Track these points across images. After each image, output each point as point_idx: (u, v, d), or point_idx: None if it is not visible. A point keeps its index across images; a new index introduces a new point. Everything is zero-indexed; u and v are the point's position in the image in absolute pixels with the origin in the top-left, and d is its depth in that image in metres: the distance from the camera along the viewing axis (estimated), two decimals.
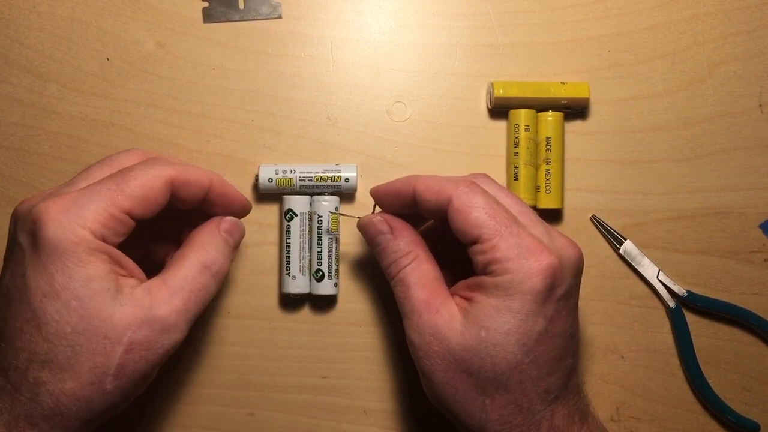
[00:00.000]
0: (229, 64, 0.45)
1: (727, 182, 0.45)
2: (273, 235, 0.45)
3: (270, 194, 0.44)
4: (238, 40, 0.45)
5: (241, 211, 0.40)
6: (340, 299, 0.45)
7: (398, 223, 0.39)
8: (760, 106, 0.45)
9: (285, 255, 0.43)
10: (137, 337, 0.32)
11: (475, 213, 0.35)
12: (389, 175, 0.45)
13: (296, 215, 0.43)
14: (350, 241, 0.45)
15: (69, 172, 0.44)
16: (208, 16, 0.45)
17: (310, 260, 0.43)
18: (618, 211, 0.45)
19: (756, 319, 0.44)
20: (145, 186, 0.34)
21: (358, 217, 0.40)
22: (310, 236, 0.43)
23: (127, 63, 0.45)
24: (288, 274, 0.43)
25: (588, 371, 0.45)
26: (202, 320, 0.45)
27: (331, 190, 0.43)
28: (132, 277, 0.34)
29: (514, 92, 0.43)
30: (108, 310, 0.32)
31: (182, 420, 0.44)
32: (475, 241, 0.35)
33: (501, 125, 0.45)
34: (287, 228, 0.43)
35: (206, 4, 0.45)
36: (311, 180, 0.43)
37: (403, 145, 0.45)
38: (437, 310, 0.36)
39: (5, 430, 0.31)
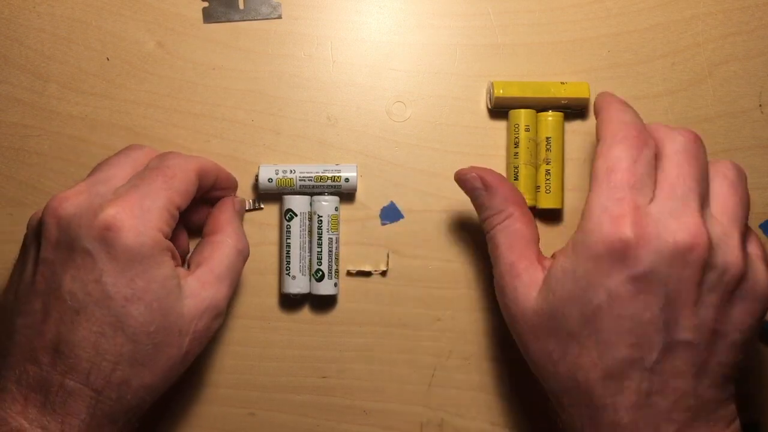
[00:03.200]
0: (229, 64, 0.45)
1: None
2: (273, 235, 0.45)
3: (270, 194, 0.44)
4: (238, 40, 0.45)
5: (234, 189, 0.43)
6: (340, 299, 0.45)
7: (494, 179, 0.38)
8: (760, 106, 0.45)
9: (285, 255, 0.43)
10: (199, 326, 0.35)
11: (504, 189, 0.38)
12: (389, 175, 0.45)
13: (296, 215, 0.43)
14: (350, 241, 0.45)
15: (69, 172, 0.44)
16: (208, 16, 0.45)
17: (310, 260, 0.43)
18: None
19: None
20: (185, 180, 0.36)
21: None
22: (310, 236, 0.43)
23: (127, 63, 0.45)
24: (288, 274, 0.43)
25: None
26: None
27: (331, 190, 0.44)
28: (179, 265, 0.36)
29: (514, 92, 0.43)
30: (179, 305, 0.34)
31: (182, 420, 0.44)
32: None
33: (501, 125, 0.45)
34: (287, 228, 0.43)
35: (206, 4, 0.45)
36: (311, 180, 0.43)
37: (403, 145, 0.45)
38: (519, 274, 0.36)
39: (86, 430, 0.33)
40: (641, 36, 0.45)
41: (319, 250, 0.43)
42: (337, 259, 0.44)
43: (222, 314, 0.37)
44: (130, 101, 0.45)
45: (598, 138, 0.36)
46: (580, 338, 0.33)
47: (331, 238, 0.43)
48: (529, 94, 0.43)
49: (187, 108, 0.45)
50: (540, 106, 0.43)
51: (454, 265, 0.45)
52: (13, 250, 0.44)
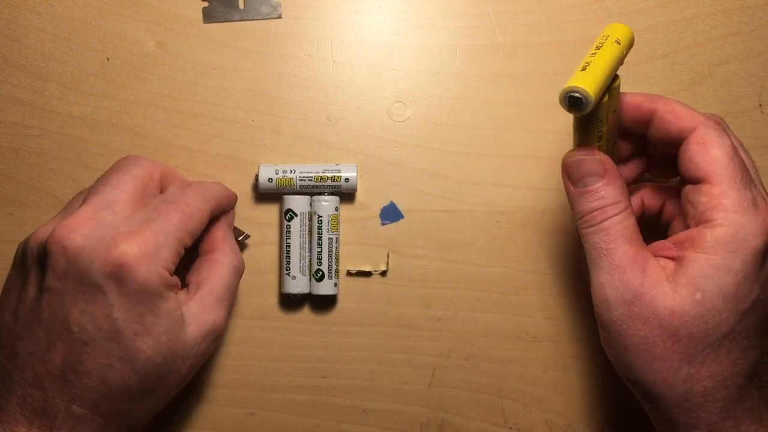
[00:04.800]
0: (229, 64, 0.45)
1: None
2: (273, 235, 0.45)
3: (270, 194, 0.44)
4: (238, 40, 0.45)
5: (233, 207, 0.43)
6: (340, 299, 0.45)
7: (612, 167, 0.35)
8: (760, 106, 0.45)
9: (285, 255, 0.43)
10: (200, 349, 0.36)
11: (717, 150, 0.33)
12: (389, 175, 0.45)
13: (296, 215, 0.43)
14: (350, 241, 0.45)
15: (69, 172, 0.44)
16: (208, 16, 0.45)
17: (310, 260, 0.43)
18: None
19: None
20: (199, 221, 0.37)
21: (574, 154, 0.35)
22: (310, 236, 0.43)
23: (127, 63, 0.45)
24: (288, 274, 0.43)
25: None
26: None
27: (331, 190, 0.44)
28: (180, 290, 0.36)
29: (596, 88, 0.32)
30: (183, 334, 0.35)
31: (182, 420, 0.44)
32: (704, 180, 0.33)
33: (501, 125, 0.45)
34: (287, 228, 0.43)
35: (206, 4, 0.45)
36: (311, 180, 0.43)
37: (403, 145, 0.45)
38: (643, 269, 0.33)
39: None
40: (641, 36, 0.45)
41: (319, 250, 0.43)
42: (337, 259, 0.44)
43: (221, 335, 0.38)
44: (130, 101, 0.45)
45: (690, 133, 0.34)
46: (733, 334, 0.32)
47: (331, 238, 0.43)
48: (607, 75, 0.33)
49: (187, 108, 0.45)
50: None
51: (454, 265, 0.45)
52: (12, 250, 0.44)
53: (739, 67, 0.45)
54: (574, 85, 0.31)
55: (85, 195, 0.37)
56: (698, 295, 0.32)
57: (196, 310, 0.36)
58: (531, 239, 0.45)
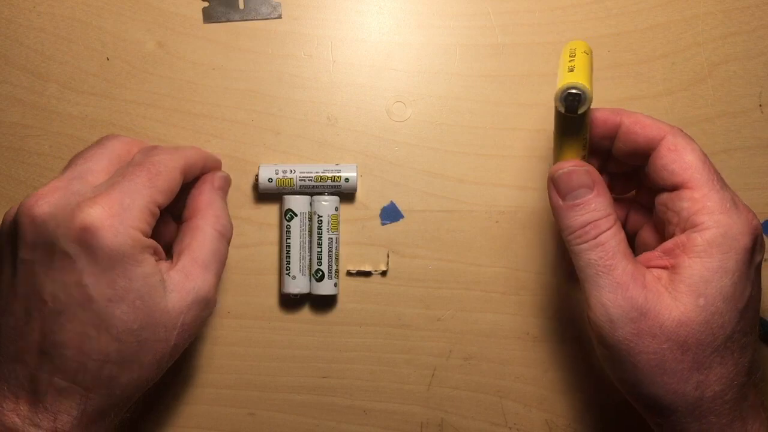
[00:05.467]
0: (229, 64, 0.45)
1: (728, 182, 0.45)
2: (273, 235, 0.45)
3: (270, 194, 0.44)
4: (238, 40, 0.45)
5: (218, 169, 0.42)
6: (340, 299, 0.45)
7: (600, 178, 0.34)
8: (760, 106, 0.45)
9: (285, 255, 0.43)
10: (188, 318, 0.35)
11: (690, 155, 0.33)
12: (389, 175, 0.45)
13: (296, 215, 0.43)
14: (350, 241, 0.45)
15: None
16: (208, 16, 0.45)
17: (310, 260, 0.43)
18: None
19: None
20: (169, 178, 0.35)
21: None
22: (310, 236, 0.43)
23: (127, 63, 0.45)
24: (288, 274, 0.43)
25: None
26: None
27: (331, 190, 0.44)
28: (163, 259, 0.35)
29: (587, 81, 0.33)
30: (163, 301, 0.33)
31: (182, 420, 0.44)
32: (683, 186, 0.33)
33: (501, 125, 0.45)
34: (287, 228, 0.43)
35: (206, 4, 0.45)
36: (311, 180, 0.43)
37: (403, 145, 0.45)
38: (643, 283, 0.32)
39: (78, 426, 0.33)
40: (641, 36, 0.45)
41: (319, 250, 0.43)
42: (337, 259, 0.44)
43: (211, 303, 0.36)
44: (130, 101, 0.45)
45: (659, 141, 0.35)
46: (735, 335, 0.32)
47: (331, 238, 0.43)
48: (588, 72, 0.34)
49: (187, 108, 0.45)
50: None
51: (454, 265, 0.45)
52: None
53: (739, 67, 0.45)
54: (572, 81, 0.32)
55: (63, 169, 0.36)
56: (701, 301, 0.32)
57: (178, 279, 0.34)
58: (531, 239, 0.45)
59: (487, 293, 0.45)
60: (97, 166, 0.35)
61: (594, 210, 0.33)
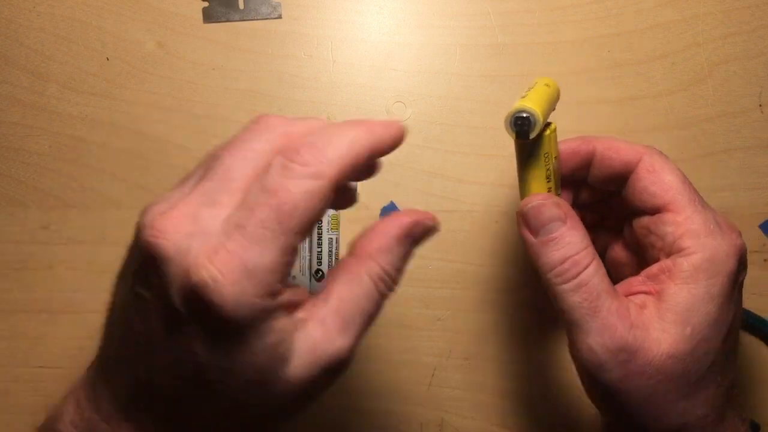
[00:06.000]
0: (229, 64, 0.45)
1: (727, 182, 0.45)
2: None
3: None
4: (238, 40, 0.45)
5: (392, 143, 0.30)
6: None
7: (571, 210, 0.32)
8: (760, 106, 0.45)
9: None
10: (313, 388, 0.28)
11: (669, 176, 0.31)
12: (389, 174, 0.45)
13: None
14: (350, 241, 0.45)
15: (69, 172, 0.44)
16: (208, 16, 0.45)
17: (310, 260, 0.43)
18: None
19: (756, 320, 0.44)
20: (308, 215, 0.26)
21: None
22: (310, 236, 0.43)
23: (127, 63, 0.45)
24: (288, 273, 0.43)
25: None
26: None
27: None
28: (298, 306, 0.28)
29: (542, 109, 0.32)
30: (287, 371, 0.27)
31: None
32: (664, 209, 0.31)
33: (501, 125, 0.45)
34: None
35: (206, 4, 0.45)
36: None
37: (403, 145, 0.45)
38: (630, 321, 0.30)
39: None
40: (641, 36, 0.45)
41: (319, 250, 0.43)
42: (337, 259, 0.44)
43: (345, 367, 0.28)
44: (130, 101, 0.45)
45: (636, 164, 0.34)
46: (718, 358, 0.31)
47: (332, 238, 0.43)
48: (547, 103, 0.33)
49: (187, 108, 0.45)
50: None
51: (454, 265, 0.45)
52: (12, 251, 0.44)
53: (739, 67, 0.45)
54: (520, 105, 0.30)
55: (205, 166, 0.29)
56: (688, 330, 0.30)
57: (311, 340, 0.27)
58: None
59: (487, 293, 0.45)
60: (235, 184, 0.27)
61: (569, 243, 0.31)
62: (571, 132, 0.45)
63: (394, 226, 0.29)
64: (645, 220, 0.33)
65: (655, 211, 0.32)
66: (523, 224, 0.32)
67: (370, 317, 0.29)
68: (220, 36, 0.45)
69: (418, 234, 0.30)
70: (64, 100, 0.45)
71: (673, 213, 0.32)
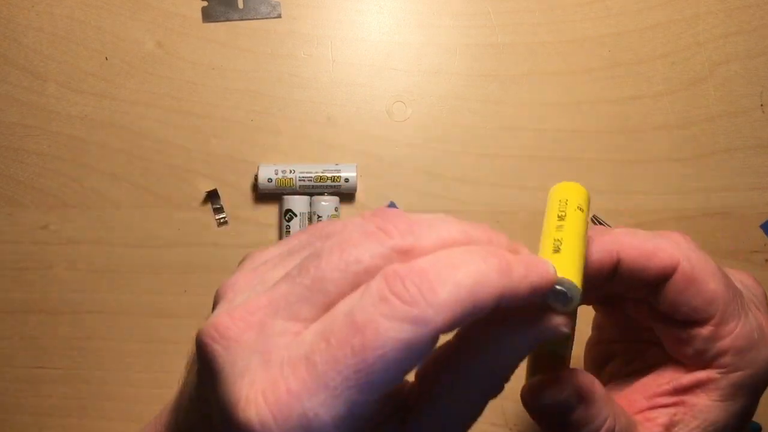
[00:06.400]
0: (228, 63, 0.45)
1: (728, 182, 0.45)
2: (272, 235, 0.45)
3: (269, 194, 0.44)
4: (238, 39, 0.45)
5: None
6: None
7: (586, 381, 0.27)
8: (761, 105, 0.45)
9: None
10: None
11: (713, 284, 0.26)
12: (389, 175, 0.45)
13: (296, 215, 0.43)
14: None
15: (68, 172, 0.44)
16: (208, 15, 0.45)
17: None
18: (618, 212, 0.45)
19: None
20: (395, 367, 0.20)
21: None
22: None
23: (126, 62, 0.45)
24: None
25: None
26: (201, 321, 0.44)
27: (331, 190, 0.43)
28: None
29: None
30: None
31: None
32: (705, 321, 0.27)
33: (501, 124, 0.45)
34: (287, 228, 0.43)
35: (205, 4, 0.45)
36: (311, 180, 0.43)
37: (403, 145, 0.45)
38: None
39: None
40: (642, 35, 0.45)
41: None
42: None
43: None
44: (129, 101, 0.44)
45: (673, 270, 0.28)
46: None
47: None
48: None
49: (186, 108, 0.45)
50: None
51: None
52: (11, 250, 0.44)
53: (740, 67, 0.45)
54: (561, 275, 0.23)
55: (303, 249, 0.24)
56: None
57: None
58: (531, 239, 0.45)
59: None
60: (330, 291, 0.21)
61: (590, 422, 0.26)
62: (571, 131, 0.45)
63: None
64: (677, 331, 0.28)
65: (693, 324, 0.27)
66: (535, 417, 0.28)
67: None
68: (219, 35, 0.45)
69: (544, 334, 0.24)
70: (63, 100, 0.44)
71: (714, 327, 0.27)
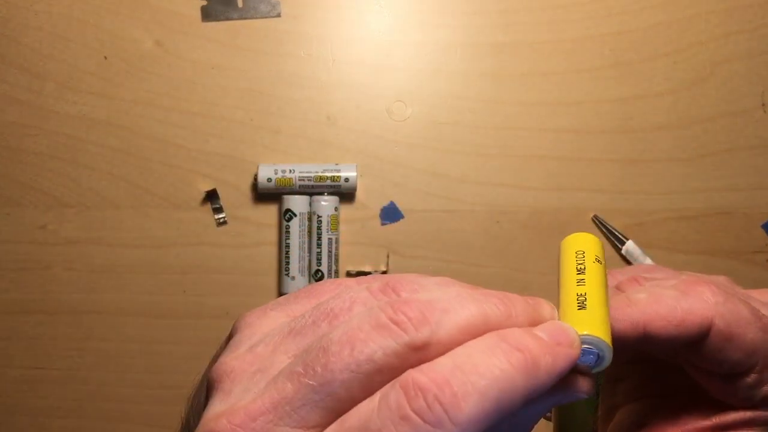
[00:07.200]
0: (227, 62, 0.44)
1: (730, 182, 0.44)
2: (272, 235, 0.44)
3: (269, 194, 0.44)
4: (237, 38, 0.45)
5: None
6: None
7: None
8: (763, 105, 0.45)
9: (284, 256, 0.43)
10: None
11: (751, 335, 0.26)
12: (389, 175, 0.44)
13: (295, 215, 0.43)
14: (350, 241, 0.44)
15: (66, 171, 0.44)
16: (207, 14, 0.45)
17: (310, 261, 0.43)
18: (620, 211, 0.45)
19: None
20: None
21: None
22: (310, 236, 0.43)
23: (125, 62, 0.44)
24: (287, 274, 0.43)
25: None
26: (200, 322, 0.44)
27: (331, 190, 0.43)
28: None
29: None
30: None
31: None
32: (750, 370, 0.26)
33: (501, 125, 0.45)
34: (286, 228, 0.43)
35: (205, 3, 0.45)
36: (311, 180, 0.43)
37: (403, 145, 0.45)
38: None
39: None
40: (643, 34, 0.45)
41: (319, 250, 0.43)
42: (336, 259, 0.43)
43: None
44: (127, 100, 0.44)
45: (709, 329, 0.26)
46: None
47: (331, 239, 0.43)
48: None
49: (185, 107, 0.44)
50: None
51: (454, 265, 0.44)
52: (10, 250, 0.44)
53: (742, 66, 0.45)
54: (586, 332, 0.21)
55: (308, 325, 0.21)
56: None
57: None
58: (531, 239, 0.45)
59: None
60: (340, 397, 0.19)
61: None
62: (570, 132, 0.45)
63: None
64: (719, 382, 0.27)
65: (734, 376, 0.27)
66: None
67: None
68: (218, 34, 0.45)
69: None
70: (61, 99, 0.44)
71: (758, 374, 0.26)
